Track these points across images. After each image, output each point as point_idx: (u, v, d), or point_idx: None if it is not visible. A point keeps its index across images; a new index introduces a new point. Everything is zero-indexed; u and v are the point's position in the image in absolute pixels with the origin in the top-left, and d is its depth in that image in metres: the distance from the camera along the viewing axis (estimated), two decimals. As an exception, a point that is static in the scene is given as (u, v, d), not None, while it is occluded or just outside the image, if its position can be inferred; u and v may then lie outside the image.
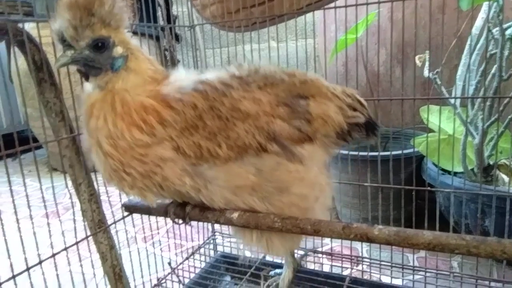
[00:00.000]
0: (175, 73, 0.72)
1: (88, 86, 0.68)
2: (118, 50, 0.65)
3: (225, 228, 1.35)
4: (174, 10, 2.48)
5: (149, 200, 0.70)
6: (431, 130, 1.45)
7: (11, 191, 0.75)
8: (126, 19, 0.67)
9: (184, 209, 0.80)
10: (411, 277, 1.20)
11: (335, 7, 0.99)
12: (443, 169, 1.34)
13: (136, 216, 0.97)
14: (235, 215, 0.71)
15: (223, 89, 0.67)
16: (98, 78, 0.66)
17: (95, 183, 0.87)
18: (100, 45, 0.63)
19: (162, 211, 0.82)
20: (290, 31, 2.53)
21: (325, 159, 0.78)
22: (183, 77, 0.70)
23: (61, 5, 0.60)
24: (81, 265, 0.90)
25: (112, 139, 0.63)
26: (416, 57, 1.27)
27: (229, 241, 1.36)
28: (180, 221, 0.81)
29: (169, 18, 2.45)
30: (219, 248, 1.36)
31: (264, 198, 0.69)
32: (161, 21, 2.41)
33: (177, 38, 2.51)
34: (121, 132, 0.63)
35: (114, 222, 0.92)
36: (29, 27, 1.07)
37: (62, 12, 0.60)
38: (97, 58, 0.64)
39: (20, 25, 0.73)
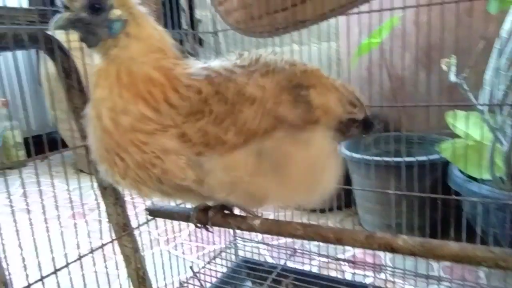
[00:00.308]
0: (187, 61, 0.70)
1: (97, 57, 0.65)
2: (116, 12, 0.62)
3: (247, 233, 1.36)
4: (198, 14, 2.51)
5: (144, 194, 0.66)
6: (457, 136, 1.41)
7: (40, 191, 0.78)
8: None
9: (207, 214, 0.80)
10: (436, 287, 1.18)
11: (359, 13, 0.98)
12: (469, 176, 1.31)
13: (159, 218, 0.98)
14: (257, 222, 0.71)
15: (227, 74, 0.66)
16: (99, 47, 0.63)
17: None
18: (97, 7, 0.61)
19: (185, 216, 0.83)
20: (312, 34, 2.51)
21: (327, 141, 0.76)
22: (193, 64, 0.68)
23: None
24: (105, 266, 0.92)
25: (114, 113, 0.60)
26: (442, 61, 1.24)
27: (251, 246, 1.37)
28: (202, 226, 0.82)
29: (192, 22, 2.48)
30: (240, 253, 1.37)
31: (266, 175, 0.66)
32: (185, 26, 2.45)
33: (200, 42, 2.53)
34: (126, 103, 0.60)
35: (138, 226, 0.93)
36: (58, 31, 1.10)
37: None
38: (93, 21, 0.61)
39: (50, 33, 0.76)
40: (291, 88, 0.70)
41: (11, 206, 0.79)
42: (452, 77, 1.20)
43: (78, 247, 0.89)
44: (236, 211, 0.78)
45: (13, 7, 0.68)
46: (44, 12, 0.72)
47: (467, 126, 1.35)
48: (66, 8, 0.60)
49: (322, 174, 0.72)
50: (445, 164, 1.46)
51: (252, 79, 0.67)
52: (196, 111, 0.62)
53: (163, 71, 0.63)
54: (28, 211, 0.85)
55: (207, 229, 0.81)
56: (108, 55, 0.62)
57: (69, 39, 0.79)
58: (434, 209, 1.43)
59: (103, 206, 0.91)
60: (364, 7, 1.03)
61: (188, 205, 0.82)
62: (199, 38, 2.43)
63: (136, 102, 0.60)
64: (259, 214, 0.74)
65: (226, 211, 0.78)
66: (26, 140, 2.88)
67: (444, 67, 1.25)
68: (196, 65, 0.68)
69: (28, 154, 2.89)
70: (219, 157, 0.63)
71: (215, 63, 0.69)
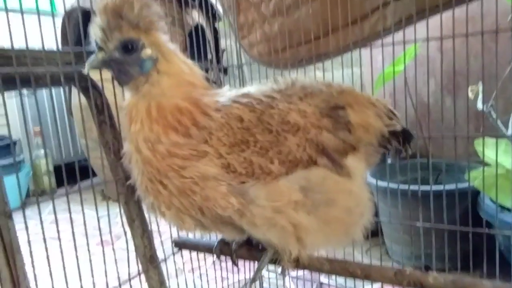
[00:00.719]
0: (219, 89, 0.72)
1: (128, 94, 0.68)
2: (147, 52, 0.65)
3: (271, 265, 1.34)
4: (222, 44, 2.58)
5: (187, 226, 0.67)
6: (486, 163, 1.37)
7: (71, 219, 0.80)
8: (157, 22, 0.66)
9: (230, 246, 0.80)
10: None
11: (382, 45, 0.99)
12: (501, 206, 1.26)
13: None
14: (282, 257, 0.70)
15: (269, 101, 0.66)
16: (131, 84, 0.65)
17: (145, 212, 0.90)
18: (129, 47, 0.63)
19: (210, 248, 0.83)
20: (335, 61, 2.53)
21: (365, 173, 0.76)
22: (224, 93, 0.70)
23: (95, 12, 0.62)
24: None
25: (150, 143, 0.62)
26: (469, 89, 1.23)
27: (275, 278, 1.35)
28: (223, 258, 0.82)
29: (217, 52, 2.55)
30: (265, 285, 1.35)
31: (310, 211, 0.66)
32: (210, 55, 2.51)
33: (225, 70, 2.59)
34: (157, 135, 0.62)
35: (165, 259, 0.94)
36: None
37: (95, 18, 0.62)
38: (126, 60, 0.64)
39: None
40: (330, 110, 0.71)
41: (43, 234, 0.82)
42: (479, 105, 1.18)
43: (106, 276, 0.90)
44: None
45: (51, 50, 0.72)
46: (80, 53, 0.76)
47: (497, 153, 1.31)
48: (100, 48, 0.64)
49: (362, 214, 0.72)
50: (476, 192, 1.42)
51: (293, 104, 0.67)
52: (241, 141, 0.63)
53: (191, 100, 0.65)
54: (59, 239, 0.87)
55: (233, 262, 0.81)
56: (139, 91, 0.65)
57: (102, 75, 0.83)
58: (465, 239, 1.37)
59: (130, 234, 0.93)
60: (387, 39, 1.04)
61: (214, 237, 0.82)
62: (224, 68, 2.49)
63: (167, 132, 0.62)
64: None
65: (251, 244, 0.78)
66: (56, 168, 2.97)
67: (470, 95, 1.23)
68: (231, 92, 0.70)
69: (59, 182, 2.96)
70: (263, 185, 0.64)
71: (253, 89, 0.70)
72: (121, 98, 0.75)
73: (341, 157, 0.69)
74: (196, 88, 0.67)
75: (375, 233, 1.65)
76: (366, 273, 0.66)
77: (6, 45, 0.69)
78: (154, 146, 0.62)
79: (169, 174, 0.62)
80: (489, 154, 1.37)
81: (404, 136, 0.81)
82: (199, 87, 0.68)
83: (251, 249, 0.75)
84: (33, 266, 0.76)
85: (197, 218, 0.65)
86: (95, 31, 0.63)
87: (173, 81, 0.66)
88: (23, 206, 0.74)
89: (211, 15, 2.38)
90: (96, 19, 0.62)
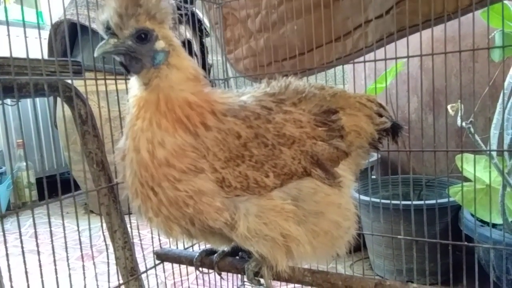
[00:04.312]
0: (221, 90, 0.71)
1: (134, 88, 0.66)
2: (160, 44, 0.63)
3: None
4: (209, 59, 2.60)
5: (174, 234, 0.66)
6: (467, 179, 1.40)
7: (51, 232, 0.78)
8: (170, 15, 0.66)
9: (211, 258, 0.79)
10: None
11: (364, 61, 1.02)
12: (481, 220, 1.29)
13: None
14: (264, 268, 0.71)
15: (265, 114, 0.66)
16: (141, 74, 0.64)
17: (128, 226, 0.89)
18: (143, 37, 0.62)
19: (192, 261, 0.83)
20: (320, 77, 2.57)
21: (353, 182, 0.77)
22: (227, 94, 0.69)
23: None
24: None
25: (152, 145, 0.61)
26: (449, 106, 1.26)
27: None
28: (205, 270, 0.81)
29: (204, 67, 2.56)
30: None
31: (300, 222, 0.66)
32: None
33: (212, 84, 2.60)
34: (164, 133, 0.60)
35: (146, 271, 0.93)
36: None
37: (110, 1, 0.59)
38: (138, 49, 0.62)
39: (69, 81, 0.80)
40: (323, 114, 0.72)
41: (22, 247, 0.80)
42: (459, 122, 1.21)
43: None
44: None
45: (35, 58, 0.72)
46: (64, 62, 0.76)
47: (476, 170, 1.34)
48: (112, 35, 0.61)
49: (348, 228, 0.72)
50: (456, 207, 1.45)
51: (288, 114, 0.68)
52: (236, 156, 0.63)
53: (201, 95, 0.65)
54: (38, 253, 0.85)
55: (219, 274, 0.80)
56: (148, 85, 0.64)
57: (86, 87, 0.83)
58: (446, 253, 1.39)
59: (111, 248, 0.91)
60: (369, 56, 1.07)
61: (197, 249, 0.82)
62: (210, 81, 2.51)
63: (174, 128, 0.61)
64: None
65: (234, 256, 0.78)
66: (38, 181, 2.91)
67: (450, 112, 1.26)
68: (231, 98, 0.69)
69: (41, 195, 2.91)
70: (256, 199, 0.64)
71: (249, 97, 0.70)
72: (106, 109, 0.76)
73: (333, 165, 0.70)
74: (201, 84, 0.67)
75: (358, 248, 1.65)
76: (347, 284, 0.66)
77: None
78: (155, 149, 0.61)
79: (163, 184, 0.61)
80: (469, 169, 1.40)
81: (393, 130, 0.83)
82: (203, 84, 0.68)
83: (233, 260, 0.75)
84: (10, 280, 0.74)
85: (186, 227, 0.65)
86: (110, 16, 0.60)
87: (182, 75, 0.65)
88: (2, 218, 0.72)
89: (199, 30, 2.40)
90: (111, 4, 0.60)
